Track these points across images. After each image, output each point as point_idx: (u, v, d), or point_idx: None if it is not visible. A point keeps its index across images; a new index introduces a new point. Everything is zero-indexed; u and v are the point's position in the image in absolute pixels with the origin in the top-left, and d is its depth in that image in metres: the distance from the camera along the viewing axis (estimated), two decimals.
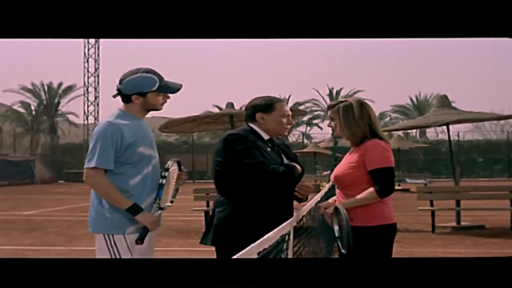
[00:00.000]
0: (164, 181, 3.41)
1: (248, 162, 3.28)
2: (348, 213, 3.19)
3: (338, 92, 53.80)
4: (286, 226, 2.70)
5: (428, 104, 53.26)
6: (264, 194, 3.35)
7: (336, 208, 3.27)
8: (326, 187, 8.78)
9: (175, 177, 3.59)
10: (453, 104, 11.46)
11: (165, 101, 3.48)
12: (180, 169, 3.59)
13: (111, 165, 3.27)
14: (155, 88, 3.38)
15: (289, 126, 3.57)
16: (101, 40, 39.31)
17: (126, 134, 3.30)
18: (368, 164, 3.35)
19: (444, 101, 11.04)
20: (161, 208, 3.39)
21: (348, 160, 3.48)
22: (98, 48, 41.25)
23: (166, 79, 3.44)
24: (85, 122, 41.34)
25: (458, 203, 10.88)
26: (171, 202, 3.54)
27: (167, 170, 3.44)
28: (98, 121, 41.06)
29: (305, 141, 45.72)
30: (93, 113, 41.21)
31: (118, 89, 3.41)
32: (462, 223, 10.93)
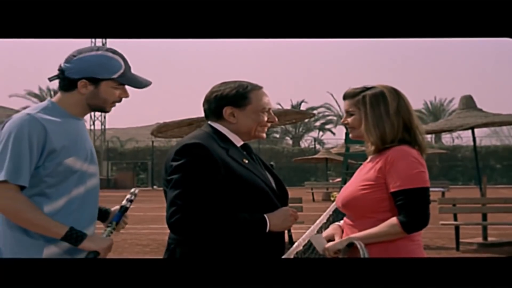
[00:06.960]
0: (129, 204, 2.56)
1: (207, 205, 2.21)
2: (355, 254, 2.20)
3: None
4: None
5: (443, 109, 52.38)
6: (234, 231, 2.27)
7: (350, 245, 2.25)
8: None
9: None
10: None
11: (120, 100, 2.45)
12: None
13: (26, 181, 2.23)
14: (116, 76, 2.36)
15: (269, 125, 2.47)
16: (108, 45, 38.46)
17: (51, 135, 2.26)
18: (391, 182, 2.28)
19: (468, 102, 9.97)
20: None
21: (361, 176, 2.39)
22: None
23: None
24: (92, 127, 40.36)
25: (484, 217, 9.76)
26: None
27: (135, 194, 2.59)
28: (105, 126, 40.22)
29: (317, 146, 44.80)
30: (99, 118, 40.22)
31: (60, 69, 2.36)
32: (490, 239, 9.81)
